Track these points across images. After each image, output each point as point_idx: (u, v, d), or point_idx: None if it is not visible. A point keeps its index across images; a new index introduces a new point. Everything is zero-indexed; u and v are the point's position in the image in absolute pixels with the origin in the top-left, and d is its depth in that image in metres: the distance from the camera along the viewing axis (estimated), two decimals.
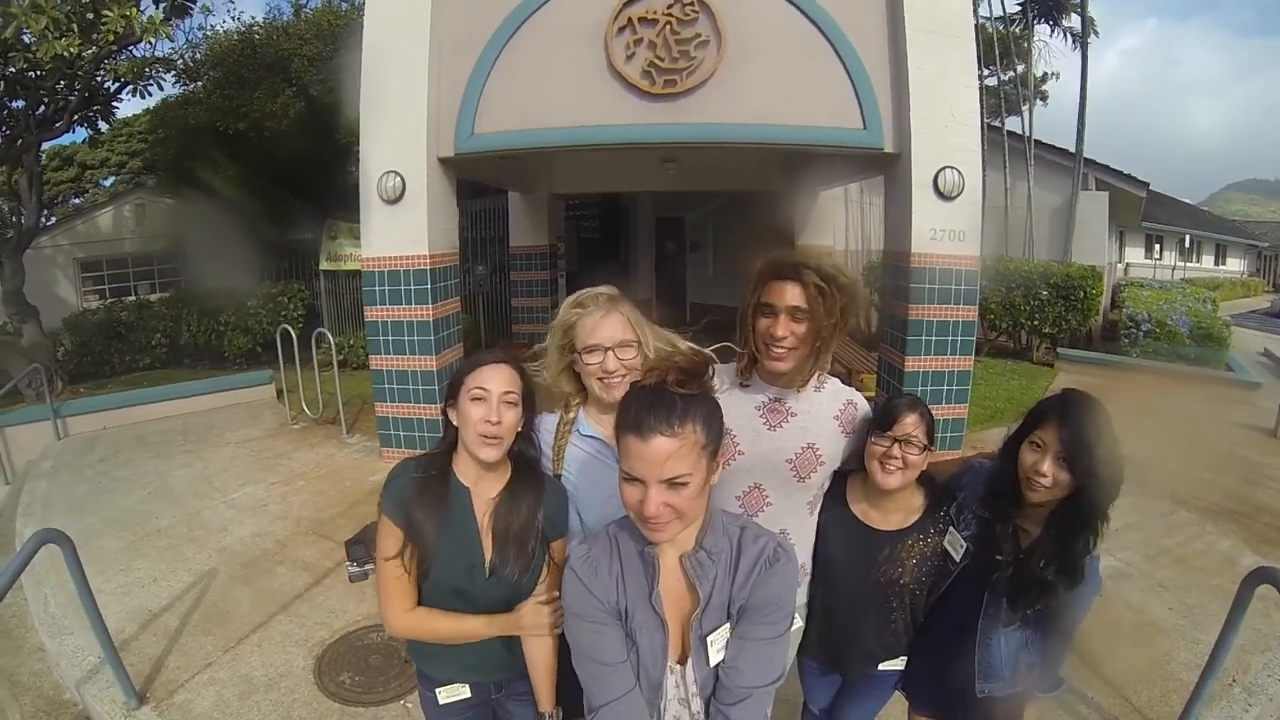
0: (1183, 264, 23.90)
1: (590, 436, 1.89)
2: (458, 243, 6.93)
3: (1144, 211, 16.30)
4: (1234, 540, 5.23)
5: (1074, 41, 14.52)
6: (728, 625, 1.46)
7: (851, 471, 2.05)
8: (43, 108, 9.77)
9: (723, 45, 5.83)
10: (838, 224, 11.71)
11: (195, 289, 13.55)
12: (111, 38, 7.30)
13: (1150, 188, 15.62)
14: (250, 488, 6.20)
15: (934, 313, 6.05)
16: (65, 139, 15.79)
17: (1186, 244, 23.72)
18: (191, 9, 9.97)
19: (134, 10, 7.33)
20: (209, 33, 13.86)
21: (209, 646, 3.86)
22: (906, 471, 1.89)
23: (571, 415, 1.93)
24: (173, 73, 13.60)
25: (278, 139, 12.76)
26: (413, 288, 6.21)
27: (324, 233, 12.07)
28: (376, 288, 6.32)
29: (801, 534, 1.98)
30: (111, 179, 22.74)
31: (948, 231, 5.98)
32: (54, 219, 18.90)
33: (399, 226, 6.19)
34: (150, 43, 7.89)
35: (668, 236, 14.90)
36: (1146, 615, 4.15)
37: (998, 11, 14.94)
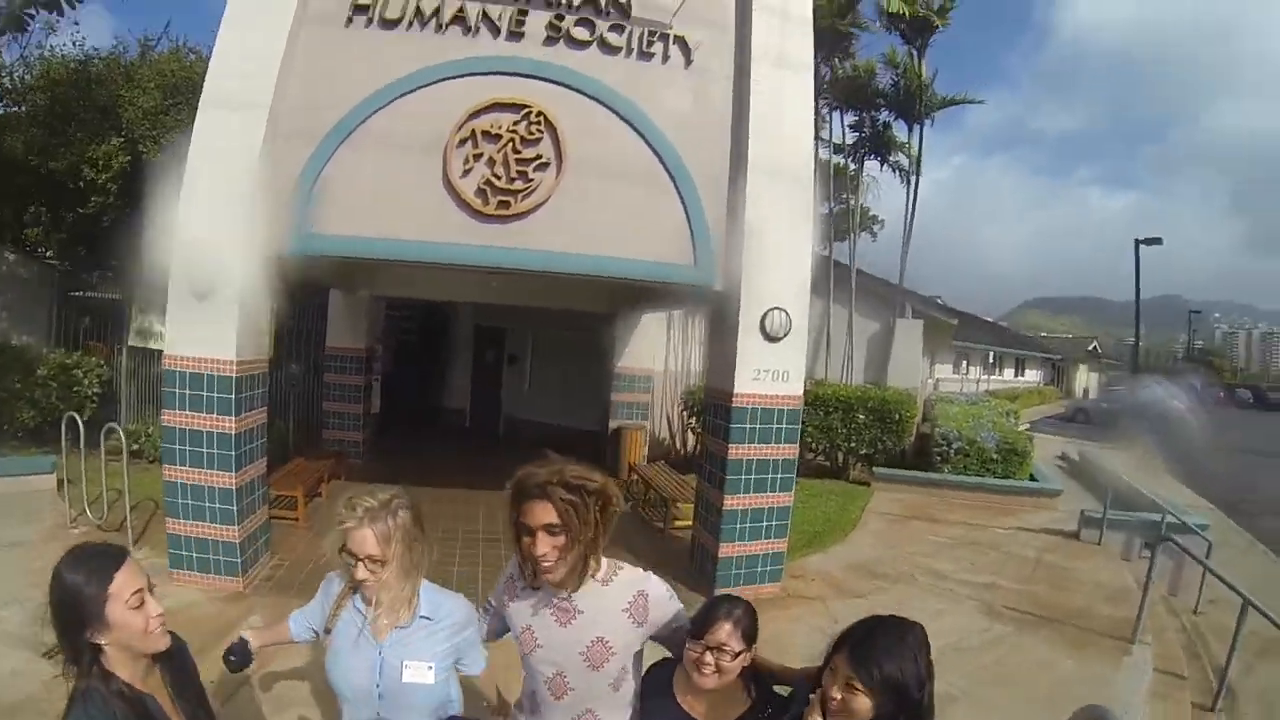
0: (987, 377, 26.55)
1: (358, 610, 2.17)
2: (267, 349, 6.38)
3: (953, 331, 18.01)
4: (1052, 648, 5.63)
5: (902, 177, 16.04)
6: None
7: (678, 662, 2.11)
8: None
9: (562, 169, 5.89)
10: (658, 345, 11.94)
11: None
12: None
13: (957, 310, 17.39)
14: (14, 607, 5.06)
15: (754, 452, 6.20)
16: None
17: (990, 359, 26.43)
18: (30, 24, 9.01)
19: None
20: (46, 54, 12.65)
21: None
22: (722, 676, 1.96)
23: (350, 587, 2.19)
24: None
25: (95, 190, 11.59)
26: (216, 395, 5.59)
27: (134, 303, 10.82)
28: (177, 390, 5.64)
29: (610, 710, 2.08)
30: None
31: (772, 372, 6.18)
32: None
33: (207, 324, 5.59)
34: None
35: (487, 346, 14.71)
36: None
37: (836, 138, 16.12)
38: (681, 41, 6.27)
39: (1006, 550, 8.31)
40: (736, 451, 6.13)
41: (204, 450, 5.66)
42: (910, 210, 15.44)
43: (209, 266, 5.55)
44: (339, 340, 10.88)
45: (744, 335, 6.07)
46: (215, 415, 5.62)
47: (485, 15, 6.02)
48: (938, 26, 14.23)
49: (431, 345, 14.99)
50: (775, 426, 6.22)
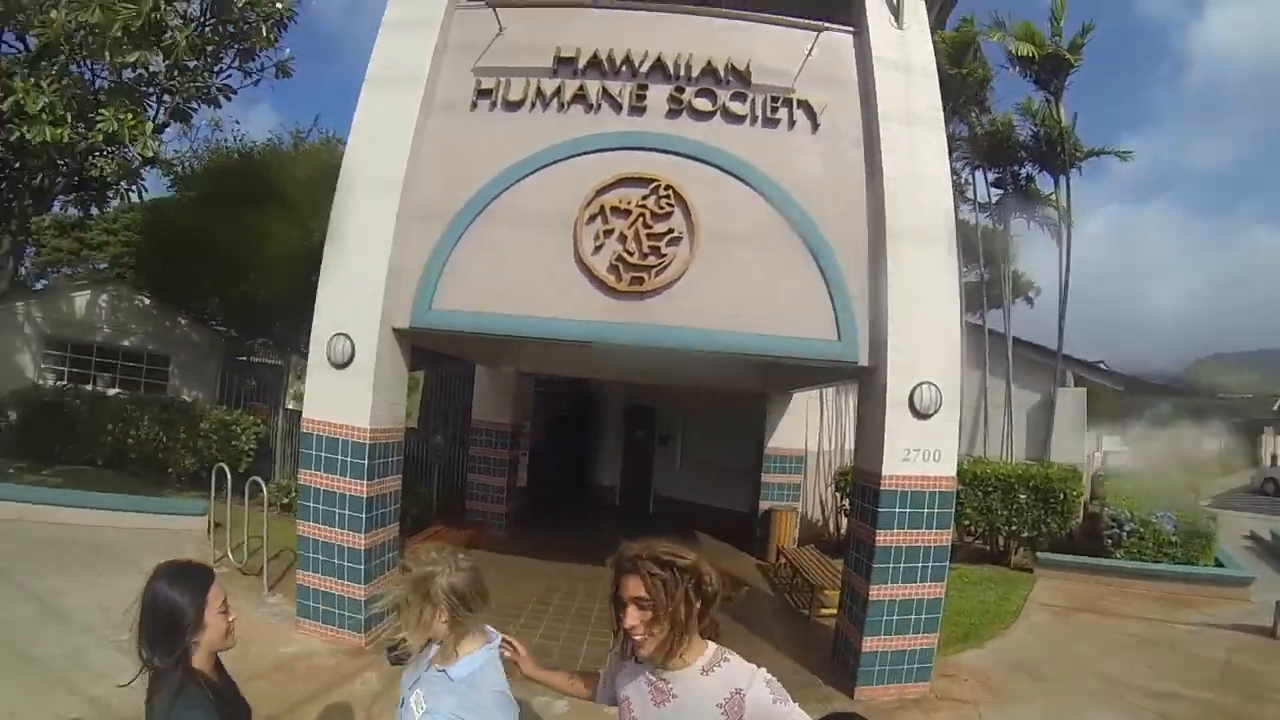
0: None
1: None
2: (403, 418, 6.60)
3: (1121, 401, 16.31)
4: None
5: (1052, 232, 14.90)
6: None
7: None
8: (40, 179, 9.78)
9: (695, 244, 5.77)
10: (810, 424, 11.44)
11: (151, 396, 13.23)
12: (100, 136, 7.43)
13: (1123, 374, 15.72)
14: None
15: (903, 538, 5.70)
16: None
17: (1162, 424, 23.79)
18: (193, 117, 10.11)
19: (128, 115, 7.50)
20: (212, 146, 14.16)
21: None
22: None
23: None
24: (170, 176, 13.88)
25: (259, 265, 12.75)
26: (350, 460, 5.83)
27: (291, 369, 11.73)
28: (314, 452, 5.95)
29: None
30: (106, 264, 22.69)
31: (922, 451, 5.70)
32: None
33: (343, 392, 5.90)
34: (138, 150, 7.86)
35: (638, 424, 14.45)
36: None
37: (980, 198, 15.15)
38: (806, 105, 6.10)
39: (1189, 651, 7.15)
40: (884, 538, 5.66)
41: (336, 510, 5.89)
42: (1064, 269, 14.15)
43: (344, 338, 5.86)
44: (484, 414, 11.05)
45: (892, 413, 5.66)
46: (348, 478, 5.85)
47: (606, 92, 6.09)
48: (1072, 65, 13.11)
49: (582, 422, 14.99)
50: (926, 511, 5.71)
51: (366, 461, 5.82)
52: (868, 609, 5.69)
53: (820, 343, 5.83)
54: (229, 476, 7.77)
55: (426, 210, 6.07)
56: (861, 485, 6.18)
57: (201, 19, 8.93)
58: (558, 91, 6.12)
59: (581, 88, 6.11)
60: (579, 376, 11.79)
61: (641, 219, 5.76)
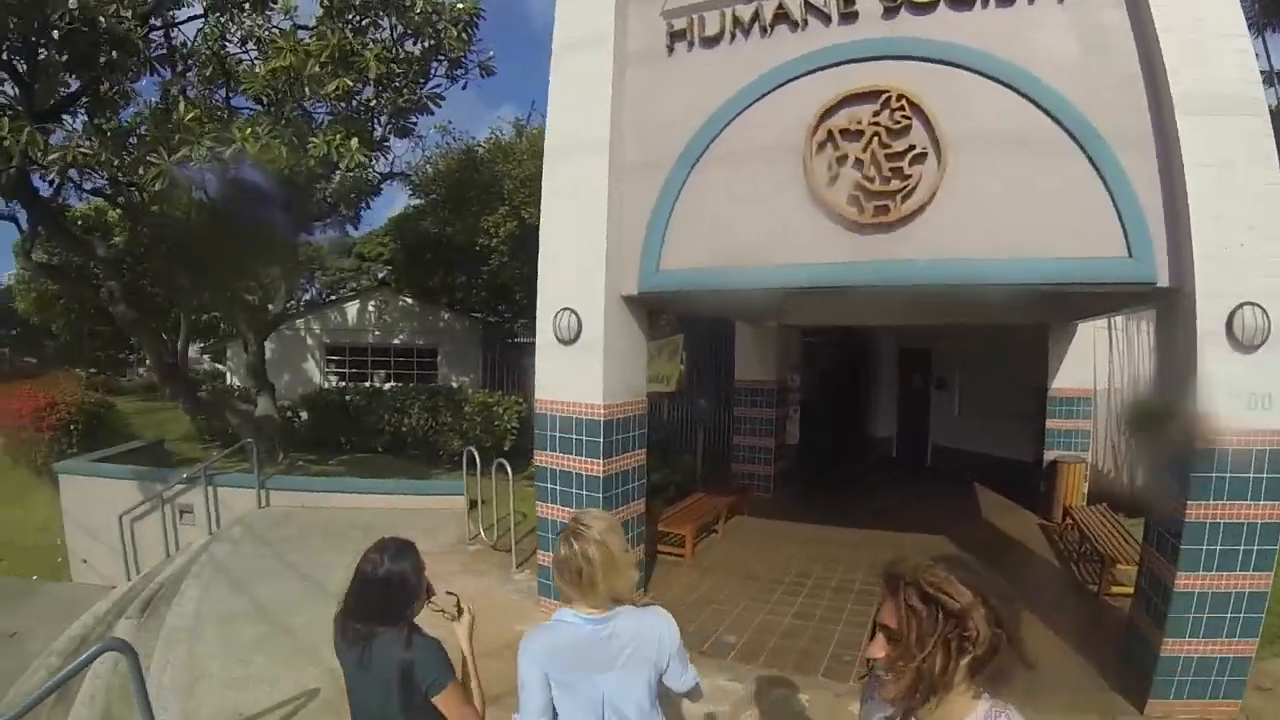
0: None
1: None
2: (643, 390, 6.33)
3: None
4: None
5: None
6: None
7: None
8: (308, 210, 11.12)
9: (943, 159, 4.79)
10: (1100, 359, 9.69)
11: (423, 385, 14.62)
12: (313, 161, 8.21)
13: None
14: None
15: (1224, 512, 4.32)
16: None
17: None
18: (413, 129, 10.88)
19: (335, 137, 8.24)
20: (444, 151, 15.23)
21: None
22: None
23: None
24: (409, 186, 15.22)
25: (491, 252, 13.47)
26: (585, 438, 5.68)
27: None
28: (547, 432, 5.90)
29: None
30: (385, 270, 25.71)
31: (1247, 396, 4.26)
32: (310, 299, 21.67)
33: (574, 369, 5.74)
34: (349, 169, 8.65)
35: (913, 370, 13.52)
36: None
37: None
38: None
39: None
40: (1197, 512, 4.34)
41: (574, 491, 5.79)
42: None
43: (570, 313, 5.70)
44: (747, 373, 10.67)
45: (1205, 344, 4.27)
46: (584, 458, 5.71)
47: (809, 5, 5.27)
48: None
49: (854, 372, 14.31)
50: (1252, 476, 4.27)
51: (601, 439, 5.63)
52: (1172, 601, 4.41)
53: (1106, 263, 4.55)
54: (478, 460, 8.12)
55: (639, 168, 5.72)
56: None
57: (392, 37, 9.56)
58: (756, 15, 5.44)
59: (781, 5, 5.37)
60: (845, 325, 11.05)
61: (877, 138, 4.90)
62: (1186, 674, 4.48)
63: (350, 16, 9.11)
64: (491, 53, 10.25)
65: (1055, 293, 5.01)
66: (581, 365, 5.70)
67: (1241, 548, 4.35)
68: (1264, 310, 4.19)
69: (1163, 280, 4.47)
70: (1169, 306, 4.69)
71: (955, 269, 4.81)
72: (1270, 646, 5.18)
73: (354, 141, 8.35)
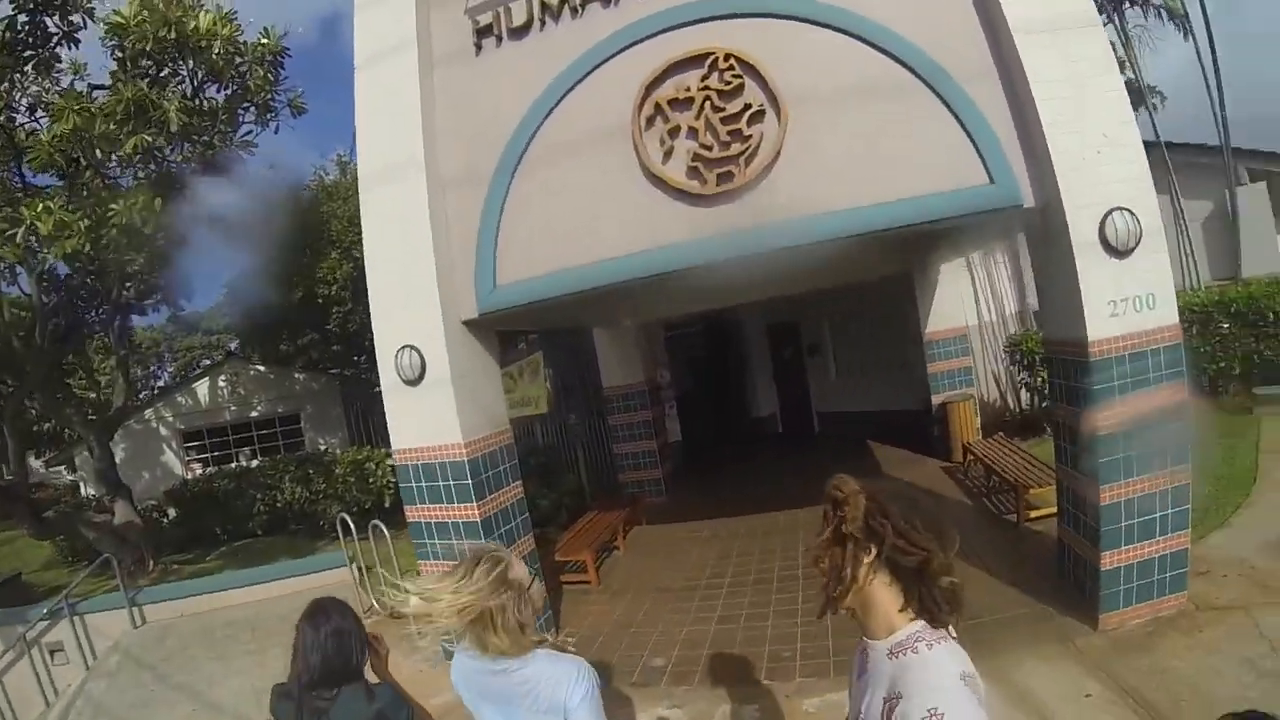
0: None
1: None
2: (505, 418, 5.77)
3: None
4: None
5: (1177, 24, 12.43)
6: None
7: None
8: (127, 291, 9.97)
9: (783, 112, 4.51)
10: (965, 296, 9.92)
11: (290, 455, 13.49)
12: (115, 230, 7.36)
13: None
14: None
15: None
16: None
17: None
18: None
19: (136, 201, 7.40)
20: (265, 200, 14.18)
21: None
22: None
23: None
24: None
25: (333, 302, 12.63)
26: (452, 483, 5.05)
27: None
28: (412, 484, 5.24)
29: None
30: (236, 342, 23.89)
31: (1131, 300, 4.27)
32: (158, 390, 19.90)
33: (426, 410, 5.09)
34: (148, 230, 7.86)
35: (782, 343, 13.32)
36: None
37: None
38: None
39: None
40: (1108, 423, 4.30)
41: (453, 541, 5.15)
42: (1210, 45, 11.75)
43: (411, 350, 5.07)
44: (615, 379, 10.14)
45: (1082, 258, 4.24)
46: (456, 504, 5.11)
47: None
48: None
49: (724, 357, 13.93)
50: (1153, 376, 4.28)
51: (470, 481, 5.02)
52: (1100, 517, 4.35)
53: (968, 192, 4.41)
54: (352, 525, 7.44)
55: (461, 180, 5.20)
56: (1060, 359, 4.78)
57: (193, 85, 8.72)
58: None
59: None
60: (706, 311, 10.69)
61: (709, 102, 4.57)
62: (1130, 581, 4.44)
63: (145, 64, 8.16)
64: (300, 89, 9.47)
65: (927, 231, 4.80)
66: (433, 405, 5.06)
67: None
68: (1131, 213, 4.20)
69: (1028, 201, 4.41)
70: (1040, 228, 4.62)
71: (815, 225, 4.51)
72: (1197, 528, 5.15)
73: (157, 202, 7.51)
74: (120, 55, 7.99)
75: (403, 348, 5.07)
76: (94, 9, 7.99)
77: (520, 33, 5.19)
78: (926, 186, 4.41)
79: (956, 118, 4.40)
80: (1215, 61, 11.71)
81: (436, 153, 5.22)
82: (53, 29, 7.95)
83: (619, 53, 4.89)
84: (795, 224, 4.50)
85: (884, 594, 1.58)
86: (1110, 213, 4.20)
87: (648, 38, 4.84)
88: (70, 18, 7.94)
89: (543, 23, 5.15)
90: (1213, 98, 11.73)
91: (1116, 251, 4.23)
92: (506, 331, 5.95)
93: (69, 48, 8.14)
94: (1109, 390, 4.27)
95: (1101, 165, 4.23)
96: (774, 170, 4.53)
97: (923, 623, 1.55)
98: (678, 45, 4.75)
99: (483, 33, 5.27)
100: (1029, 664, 4.22)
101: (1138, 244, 4.22)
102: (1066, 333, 4.52)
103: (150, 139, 7.76)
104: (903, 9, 4.50)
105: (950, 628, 1.59)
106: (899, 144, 4.45)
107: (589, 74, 4.95)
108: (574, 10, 5.06)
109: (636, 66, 4.81)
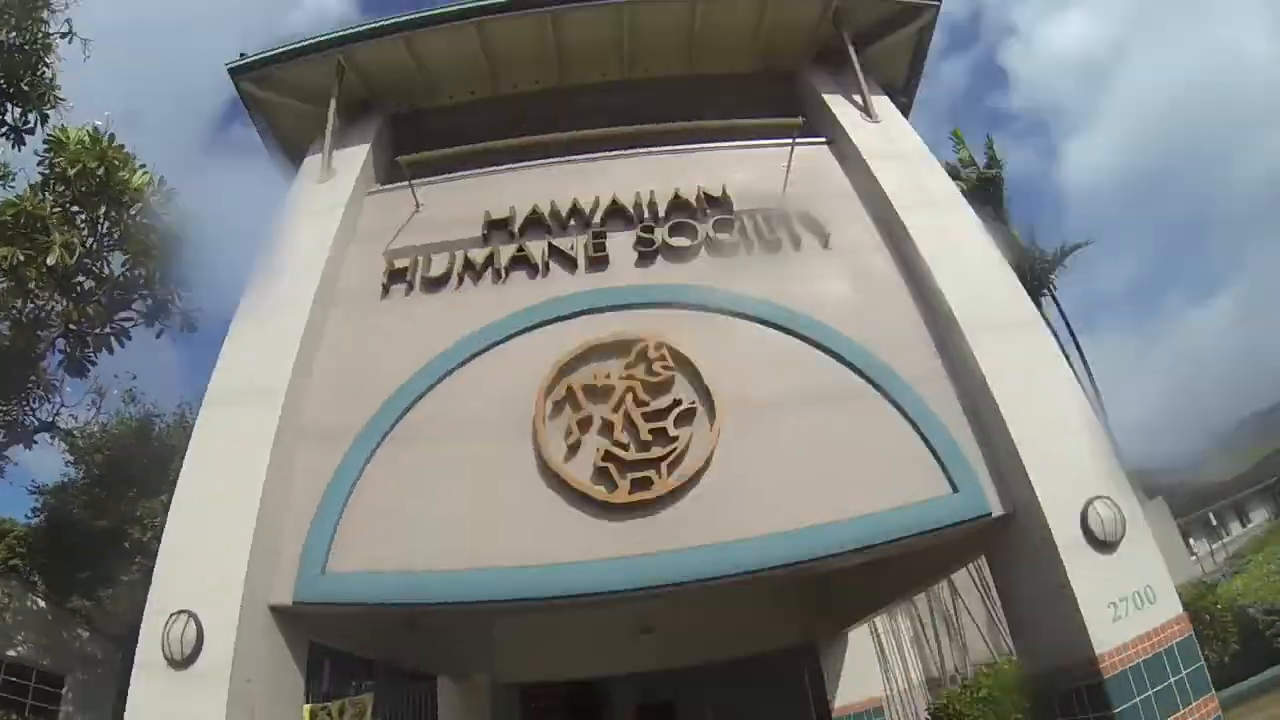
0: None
1: None
2: None
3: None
4: None
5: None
6: None
7: None
8: None
9: (717, 414, 4.00)
10: (873, 662, 8.78)
11: None
12: None
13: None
14: None
15: None
16: None
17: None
18: (91, 365, 9.16)
19: None
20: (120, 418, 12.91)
21: None
22: None
23: None
24: (70, 450, 12.41)
25: (140, 549, 10.96)
26: None
27: None
28: None
29: None
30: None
31: (1130, 597, 3.76)
32: None
33: (181, 714, 3.48)
34: None
35: None
36: None
37: None
38: (806, 219, 4.94)
39: None
40: None
41: None
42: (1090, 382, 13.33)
43: (188, 616, 3.60)
44: None
45: (1069, 560, 3.75)
46: None
47: (554, 250, 4.86)
48: (997, 179, 14.01)
49: None
50: (1175, 679, 3.66)
51: None
52: None
53: (930, 505, 3.95)
54: None
55: (321, 430, 4.30)
56: (1061, 689, 3.93)
57: (97, 238, 8.28)
58: (491, 259, 4.84)
59: (521, 249, 4.84)
60: (574, 679, 8.84)
61: (631, 394, 4.02)
62: None
63: (62, 190, 7.68)
64: (200, 306, 8.81)
65: (878, 559, 4.18)
66: (195, 708, 3.46)
67: None
68: (1111, 501, 3.90)
69: (997, 508, 4.03)
70: (1009, 540, 4.16)
71: (752, 551, 3.74)
72: None
73: None
74: (45, 173, 7.70)
75: (179, 613, 3.60)
76: (49, 115, 7.86)
77: (435, 284, 4.85)
78: (883, 502, 3.91)
79: (911, 422, 4.14)
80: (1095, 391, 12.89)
81: (303, 392, 4.43)
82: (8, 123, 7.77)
83: (535, 328, 4.48)
84: (727, 550, 3.73)
85: None
86: (1091, 503, 3.85)
87: (569, 316, 4.50)
88: (29, 114, 7.79)
89: (461, 279, 4.83)
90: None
91: (1104, 545, 3.87)
92: (335, 651, 4.57)
93: (15, 147, 7.87)
94: (1135, 712, 3.53)
95: (1070, 455, 4.02)
96: (702, 480, 3.89)
97: None
98: (604, 329, 4.38)
99: (395, 276, 4.91)
100: None
101: (1124, 533, 3.85)
102: (1066, 655, 3.83)
103: (22, 255, 7.14)
104: (847, 311, 4.49)
105: None
106: (850, 454, 4.05)
107: (499, 343, 4.46)
108: (497, 275, 4.77)
109: (553, 344, 4.38)
